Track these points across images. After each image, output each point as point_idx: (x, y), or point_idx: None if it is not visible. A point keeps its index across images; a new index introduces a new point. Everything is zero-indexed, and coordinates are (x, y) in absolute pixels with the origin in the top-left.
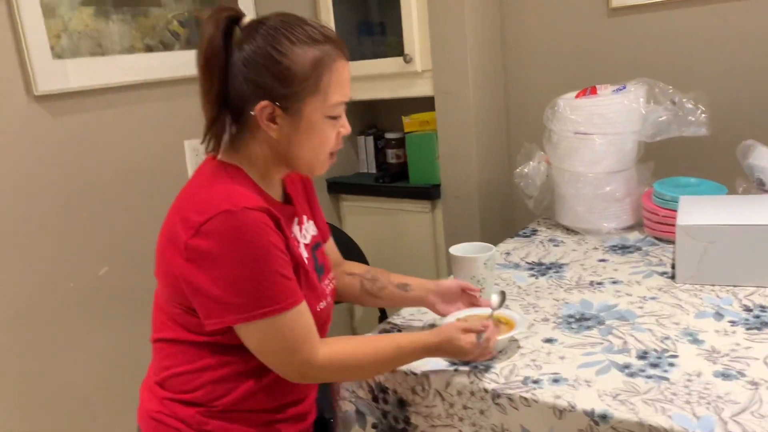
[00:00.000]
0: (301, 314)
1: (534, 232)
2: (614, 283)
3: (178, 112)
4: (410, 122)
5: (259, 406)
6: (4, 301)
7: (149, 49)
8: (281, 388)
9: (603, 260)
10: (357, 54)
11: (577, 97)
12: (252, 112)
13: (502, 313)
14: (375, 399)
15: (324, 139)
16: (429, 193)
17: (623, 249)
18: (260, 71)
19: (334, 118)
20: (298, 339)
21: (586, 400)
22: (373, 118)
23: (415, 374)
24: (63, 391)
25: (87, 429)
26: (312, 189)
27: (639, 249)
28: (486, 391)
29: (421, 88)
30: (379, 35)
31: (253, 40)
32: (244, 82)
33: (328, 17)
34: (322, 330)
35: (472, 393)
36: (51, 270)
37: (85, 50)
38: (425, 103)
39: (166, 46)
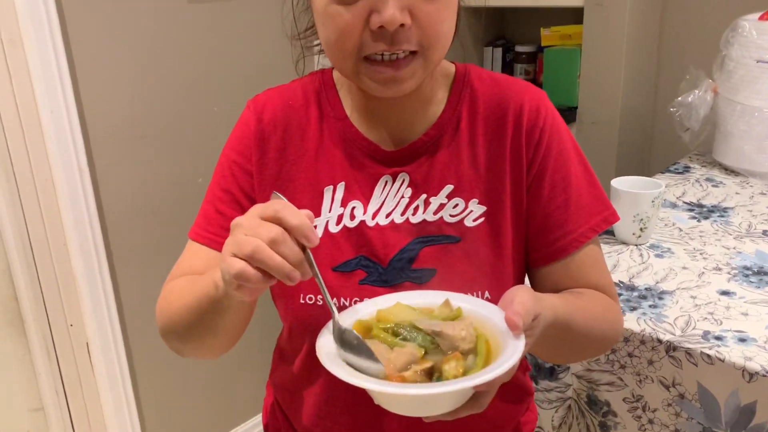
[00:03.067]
0: (191, 253)
1: (687, 168)
2: None
3: None
4: (550, 35)
5: None
6: (137, 190)
7: None
8: None
9: None
10: None
11: (761, 18)
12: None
13: (472, 312)
14: None
15: (330, 27)
16: (563, 115)
17: None
18: None
19: None
20: (171, 272)
21: None
22: (501, 27)
23: None
24: None
25: None
26: (552, 151)
27: None
28: (659, 341)
29: None
30: None
31: None
32: None
33: None
34: (314, 339)
35: (642, 341)
36: (179, 162)
37: None
38: (565, 15)
39: None
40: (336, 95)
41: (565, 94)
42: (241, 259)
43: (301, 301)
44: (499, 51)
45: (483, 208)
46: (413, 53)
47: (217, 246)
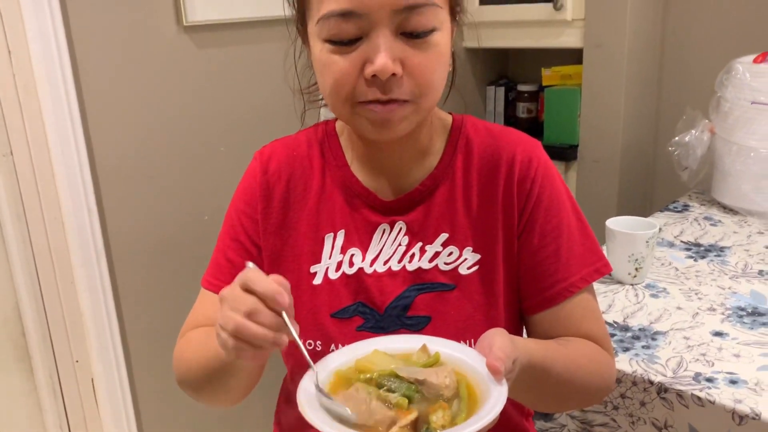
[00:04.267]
0: (203, 301)
1: (686, 207)
2: None
3: None
4: (551, 75)
5: None
6: (145, 230)
7: None
8: None
9: None
10: None
11: (755, 61)
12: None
13: (449, 356)
14: None
15: (327, 75)
16: (565, 153)
17: None
18: None
19: (334, 42)
20: (187, 321)
21: None
22: (503, 67)
23: None
24: None
25: None
26: (543, 200)
27: None
28: (651, 383)
29: (569, 39)
30: None
31: None
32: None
33: None
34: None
35: (634, 383)
36: (186, 201)
37: None
38: (567, 55)
39: None
40: (338, 145)
41: (566, 132)
42: (227, 334)
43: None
44: (501, 90)
45: (477, 256)
46: (405, 101)
47: None
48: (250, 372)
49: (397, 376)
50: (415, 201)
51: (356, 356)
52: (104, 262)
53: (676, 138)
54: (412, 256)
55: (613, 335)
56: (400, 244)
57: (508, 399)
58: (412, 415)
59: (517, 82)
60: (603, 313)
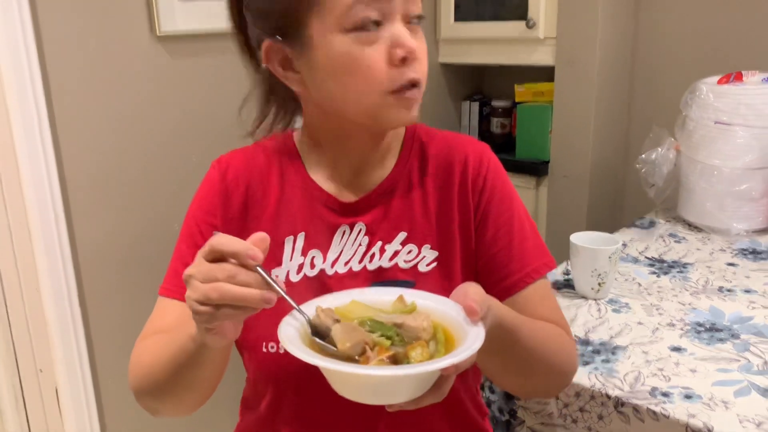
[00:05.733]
0: (162, 309)
1: (652, 223)
2: (747, 292)
3: None
4: (524, 92)
5: None
6: (113, 238)
7: None
8: None
9: (732, 264)
10: (473, 15)
11: (719, 82)
12: (263, 66)
13: (433, 309)
14: (480, 386)
15: (357, 68)
16: (536, 168)
17: (755, 254)
18: (249, 4)
19: (362, 29)
20: (144, 330)
21: (725, 424)
22: (479, 83)
23: None
24: None
25: None
26: (495, 197)
27: None
28: (608, 396)
29: (541, 56)
30: None
31: None
32: (252, 19)
33: None
34: (278, 386)
35: (592, 396)
36: (155, 210)
37: None
38: (539, 72)
39: None
40: (296, 151)
41: (537, 148)
42: (209, 305)
43: (264, 350)
44: (476, 105)
45: (435, 254)
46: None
47: None
48: (214, 363)
49: (376, 322)
50: (373, 202)
51: (334, 305)
52: (71, 269)
53: (643, 155)
54: (372, 255)
55: None
56: (360, 245)
57: (466, 395)
58: (390, 352)
59: (491, 97)
60: None
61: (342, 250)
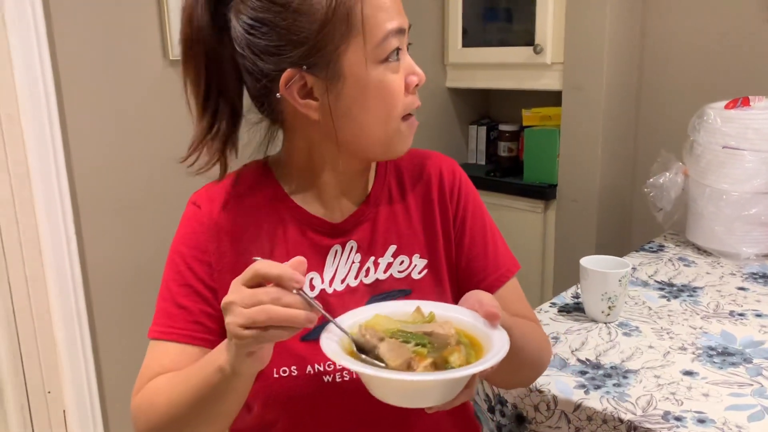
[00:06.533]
0: (158, 352)
1: (661, 247)
2: (758, 316)
3: None
4: (531, 116)
5: None
6: (123, 262)
7: None
8: None
9: (742, 288)
10: (481, 41)
11: (726, 107)
12: (277, 95)
13: (450, 317)
14: (491, 409)
15: (386, 95)
16: (544, 192)
17: (765, 278)
18: (269, 32)
19: (390, 60)
20: (141, 376)
21: None
22: (486, 107)
23: (540, 391)
24: None
25: None
26: (469, 205)
27: None
28: (621, 421)
29: (548, 81)
30: (505, 22)
31: None
32: (254, 57)
33: (456, 0)
34: (293, 410)
35: (605, 421)
36: (166, 234)
37: None
38: (546, 97)
39: None
40: (274, 178)
41: (545, 172)
42: (255, 329)
43: (275, 375)
44: (483, 129)
45: (425, 261)
46: None
47: (189, 339)
48: (244, 388)
49: (406, 332)
50: (360, 219)
51: (359, 321)
52: (81, 291)
53: (651, 180)
54: (368, 270)
55: (584, 373)
56: (354, 262)
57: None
58: (428, 360)
59: (498, 121)
60: (576, 350)
61: (337, 269)
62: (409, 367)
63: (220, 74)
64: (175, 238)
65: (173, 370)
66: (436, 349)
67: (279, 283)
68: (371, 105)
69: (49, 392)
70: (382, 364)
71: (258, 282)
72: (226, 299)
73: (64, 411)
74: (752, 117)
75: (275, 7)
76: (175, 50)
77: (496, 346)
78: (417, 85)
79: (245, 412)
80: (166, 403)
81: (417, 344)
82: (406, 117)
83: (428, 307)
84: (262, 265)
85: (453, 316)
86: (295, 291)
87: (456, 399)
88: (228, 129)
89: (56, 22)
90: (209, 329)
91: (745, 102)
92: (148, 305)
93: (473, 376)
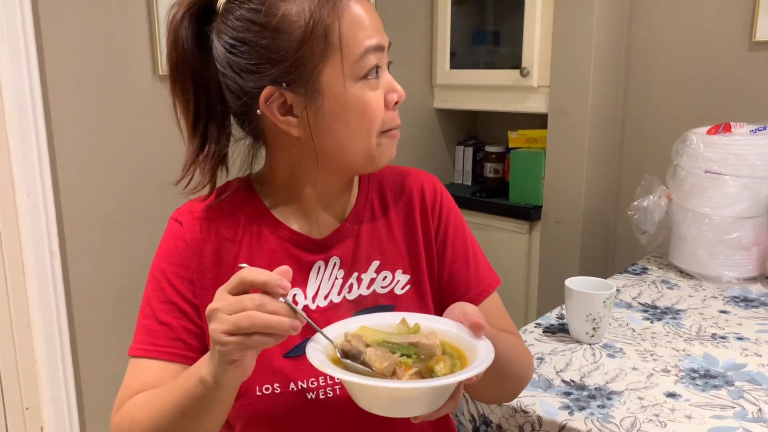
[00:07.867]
0: (139, 369)
1: (644, 270)
2: (739, 339)
3: None
4: (517, 138)
5: None
6: (106, 278)
7: None
8: None
9: (724, 311)
10: (469, 63)
11: (708, 133)
12: (258, 111)
13: (435, 328)
14: (476, 430)
15: (365, 112)
16: (529, 213)
17: (746, 302)
18: (249, 51)
19: (369, 77)
20: (121, 394)
21: None
22: (473, 128)
23: (525, 412)
24: None
25: None
26: (450, 221)
27: (764, 304)
28: None
29: (535, 104)
30: (492, 45)
31: (231, 16)
32: (234, 76)
33: (445, 23)
34: (276, 428)
35: None
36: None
37: None
38: (533, 119)
39: None
40: (257, 195)
41: (530, 193)
42: (239, 335)
43: (258, 393)
44: (470, 150)
45: (407, 277)
46: None
47: (171, 357)
48: (228, 400)
49: (392, 343)
50: (343, 235)
51: (345, 332)
52: (63, 306)
53: (635, 202)
54: (351, 286)
55: (569, 393)
56: (336, 278)
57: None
58: (413, 370)
59: (485, 143)
60: (560, 371)
61: (320, 285)
62: (394, 375)
63: (207, 96)
64: (157, 254)
65: (155, 387)
66: (421, 359)
67: (265, 289)
68: (350, 121)
69: (27, 408)
70: (369, 370)
71: (243, 289)
72: (210, 306)
73: (41, 427)
74: (733, 143)
75: (254, 27)
76: (165, 66)
77: (481, 356)
78: (397, 103)
79: (235, 429)
80: (147, 418)
81: (402, 354)
82: (388, 130)
83: (413, 318)
84: (248, 272)
85: (438, 327)
86: (282, 300)
87: (441, 409)
88: (218, 149)
89: (45, 36)
90: (191, 347)
91: (727, 128)
92: (131, 322)
93: (459, 385)
